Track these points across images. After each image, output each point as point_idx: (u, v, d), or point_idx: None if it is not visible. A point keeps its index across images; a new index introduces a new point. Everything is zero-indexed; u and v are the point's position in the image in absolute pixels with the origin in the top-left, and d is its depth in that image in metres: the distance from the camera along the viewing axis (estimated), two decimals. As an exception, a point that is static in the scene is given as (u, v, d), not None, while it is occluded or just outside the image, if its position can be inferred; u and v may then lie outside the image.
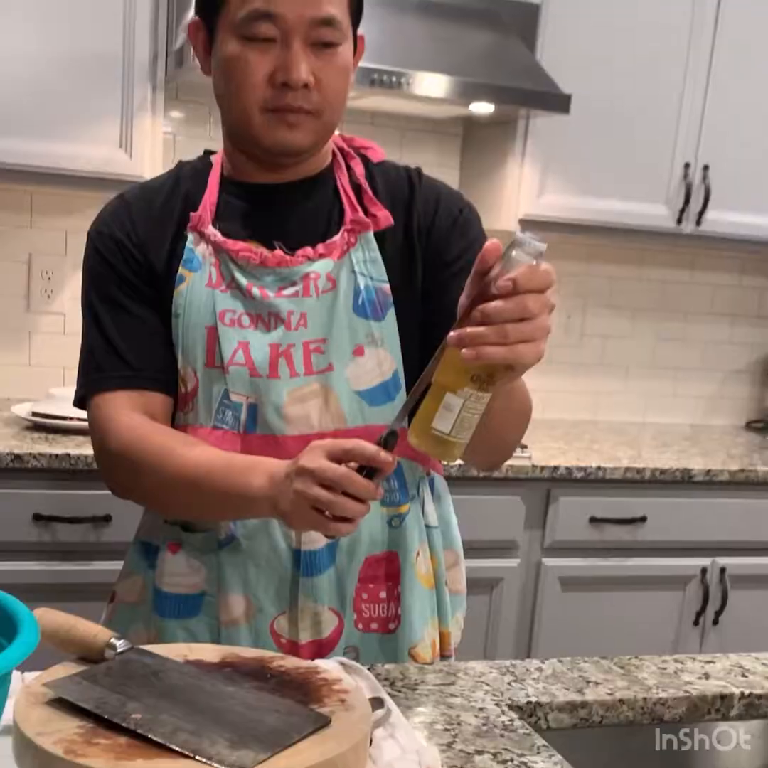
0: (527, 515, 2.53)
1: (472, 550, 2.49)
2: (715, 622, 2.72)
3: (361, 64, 2.24)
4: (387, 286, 1.27)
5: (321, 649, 1.28)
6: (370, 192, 1.29)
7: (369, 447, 1.02)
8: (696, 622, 2.71)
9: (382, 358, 1.27)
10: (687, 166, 2.79)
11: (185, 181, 1.31)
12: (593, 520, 2.57)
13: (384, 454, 1.02)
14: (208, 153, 1.37)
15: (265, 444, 1.25)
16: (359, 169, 1.31)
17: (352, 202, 1.28)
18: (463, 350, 0.93)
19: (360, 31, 1.26)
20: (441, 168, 2.95)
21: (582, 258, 3.16)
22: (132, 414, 1.25)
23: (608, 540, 2.60)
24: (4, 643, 0.68)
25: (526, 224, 2.72)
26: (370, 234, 1.27)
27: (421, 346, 1.26)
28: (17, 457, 2.07)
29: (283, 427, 1.24)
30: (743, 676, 1.25)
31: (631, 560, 2.64)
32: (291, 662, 1.03)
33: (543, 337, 0.96)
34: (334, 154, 1.32)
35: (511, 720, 1.08)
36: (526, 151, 2.68)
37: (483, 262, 0.95)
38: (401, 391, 1.27)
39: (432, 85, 2.36)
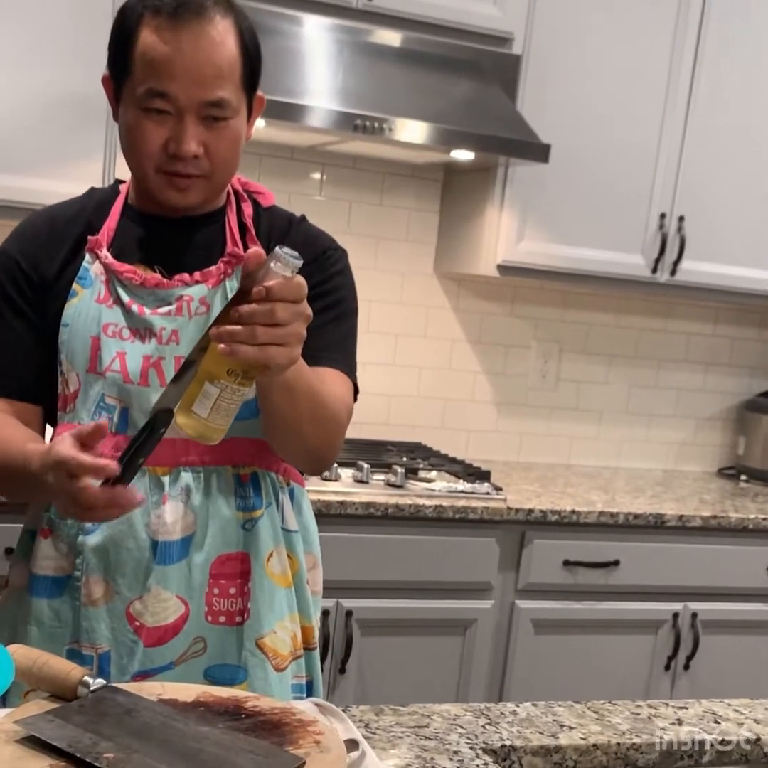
0: (501, 557, 2.54)
1: (446, 590, 2.53)
2: (686, 666, 2.73)
3: (344, 109, 2.35)
4: None
5: (166, 633, 1.38)
6: (253, 231, 1.45)
7: (91, 464, 1.11)
8: (667, 667, 2.72)
9: None
10: (663, 216, 2.84)
11: (92, 205, 1.46)
12: (567, 563, 2.58)
13: (109, 467, 1.10)
14: (118, 181, 1.53)
15: None
16: (248, 210, 1.47)
17: (234, 238, 1.44)
18: (220, 346, 1.06)
19: (269, 71, 1.42)
20: (421, 213, 3.00)
21: (559, 304, 3.20)
22: None
23: (581, 583, 2.61)
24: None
25: (505, 270, 2.76)
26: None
27: None
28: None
29: None
30: (716, 722, 1.26)
31: (603, 604, 2.65)
32: (266, 703, 1.03)
33: (295, 343, 1.10)
34: (229, 195, 1.47)
35: (486, 764, 1.08)
36: (506, 198, 2.72)
37: (244, 266, 1.08)
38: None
39: (413, 131, 2.40)
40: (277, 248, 1.05)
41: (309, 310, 1.10)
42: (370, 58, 2.49)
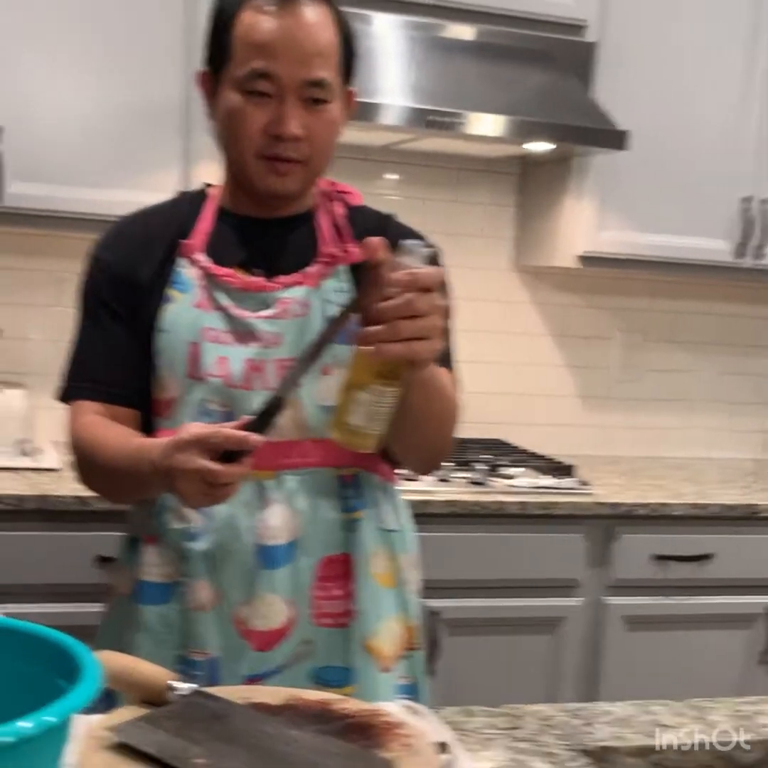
0: (589, 553, 2.50)
1: (532, 588, 2.50)
2: (784, 661, 2.65)
3: (417, 105, 2.33)
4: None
5: (274, 637, 1.38)
6: (347, 231, 1.45)
7: (234, 435, 1.14)
8: (762, 661, 2.64)
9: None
10: (746, 199, 2.77)
11: (184, 209, 1.46)
12: (657, 557, 2.53)
13: (253, 438, 1.14)
14: (207, 185, 1.52)
15: None
16: (340, 210, 1.47)
17: (328, 238, 1.44)
18: (366, 348, 1.08)
19: (355, 87, 1.41)
20: (497, 207, 2.97)
21: (642, 293, 3.13)
22: (89, 415, 1.40)
23: (672, 578, 2.55)
24: (67, 687, 0.69)
25: (586, 260, 2.71)
26: (343, 267, 1.42)
27: None
28: (80, 500, 2.11)
29: None
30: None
31: (696, 598, 2.59)
32: (354, 705, 1.03)
33: (436, 335, 1.11)
34: (320, 196, 1.48)
35: (583, 765, 1.06)
36: (584, 189, 2.68)
37: (367, 254, 1.09)
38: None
39: (487, 125, 2.38)
40: (403, 242, 1.06)
41: (446, 302, 1.10)
42: (441, 53, 2.48)
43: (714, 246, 2.78)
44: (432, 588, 2.32)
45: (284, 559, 1.38)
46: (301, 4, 1.32)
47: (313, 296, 1.39)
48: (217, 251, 1.41)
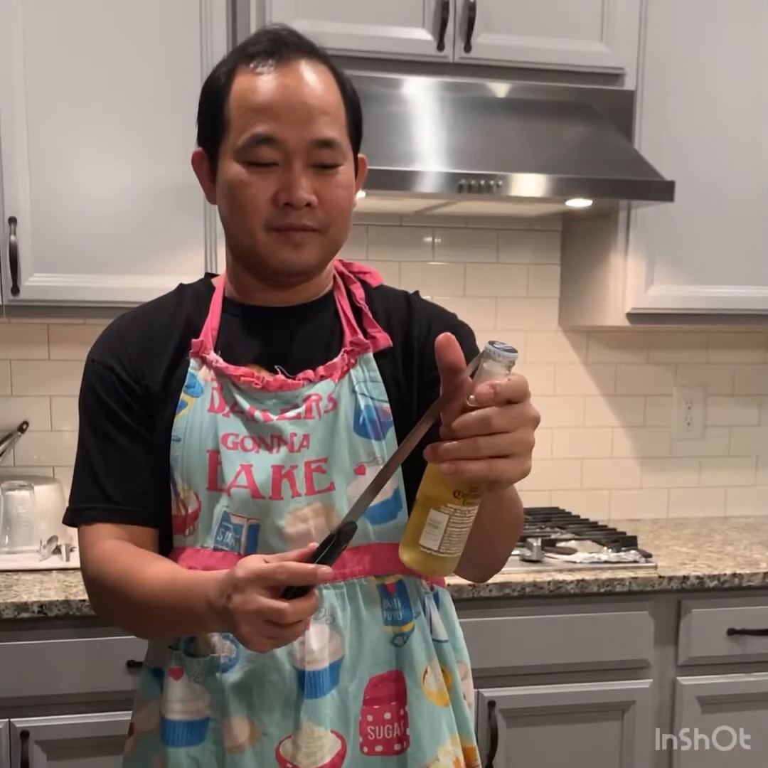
0: (657, 631, 2.33)
1: (596, 672, 2.34)
2: None
3: (448, 169, 2.23)
4: (387, 406, 1.29)
5: None
6: (369, 315, 1.33)
7: (301, 569, 1.03)
8: None
9: None
10: (804, 244, 2.62)
11: (186, 304, 1.35)
12: (732, 632, 2.36)
13: (322, 570, 1.03)
14: (209, 276, 1.41)
15: None
16: (359, 292, 1.35)
17: (351, 325, 1.32)
18: (442, 465, 0.95)
19: (372, 136, 1.33)
20: (541, 266, 2.86)
21: (699, 346, 2.99)
22: (108, 542, 1.27)
23: (750, 653, 2.38)
24: None
25: (635, 318, 2.58)
26: (370, 355, 1.31)
27: (421, 465, 1.24)
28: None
29: (284, 547, 1.23)
30: None
31: (778, 674, 2.40)
32: None
33: (524, 451, 0.96)
34: (334, 279, 1.37)
35: None
36: (630, 242, 2.55)
37: (440, 357, 0.96)
38: (403, 509, 1.28)
39: (525, 185, 2.27)
40: (487, 345, 0.94)
41: (536, 412, 0.97)
42: (474, 113, 2.38)
43: (770, 294, 2.63)
44: (487, 677, 2.19)
45: (328, 684, 1.24)
46: (299, 62, 1.21)
47: (340, 389, 1.28)
48: (229, 348, 1.30)
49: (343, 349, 1.30)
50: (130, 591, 1.21)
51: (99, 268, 2.24)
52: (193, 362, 1.29)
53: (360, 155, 1.30)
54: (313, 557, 1.04)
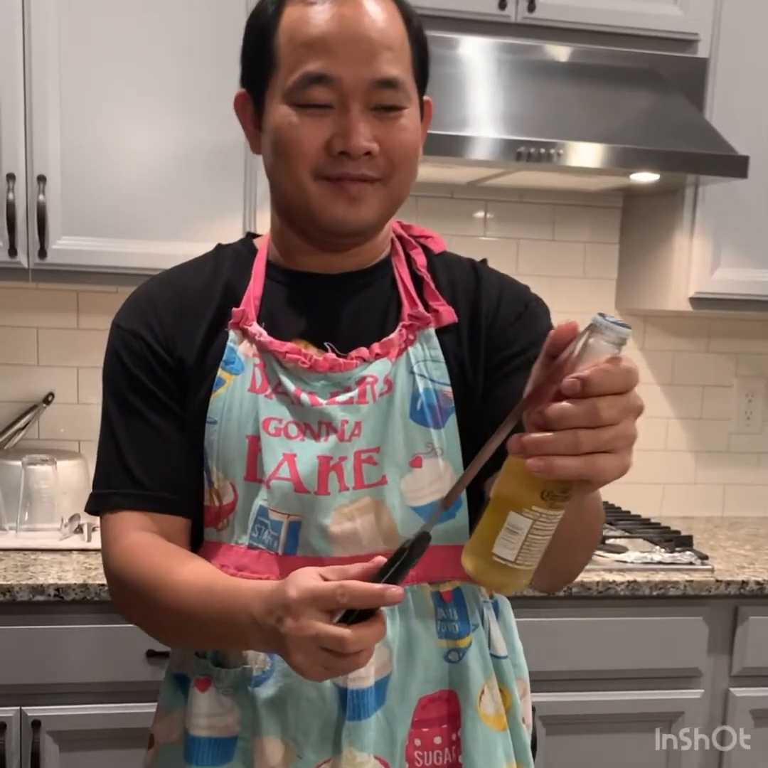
0: (711, 638, 2.19)
1: (645, 679, 2.19)
2: None
3: (505, 136, 2.07)
4: (449, 390, 1.14)
5: None
6: (431, 285, 1.17)
7: (366, 591, 0.87)
8: None
9: (442, 470, 1.13)
10: None
11: (225, 267, 1.19)
12: (792, 642, 2.21)
13: (391, 592, 0.87)
14: (250, 235, 1.25)
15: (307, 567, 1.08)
16: (420, 259, 1.19)
17: (411, 296, 1.16)
18: (530, 461, 0.79)
19: (429, 96, 1.15)
20: (598, 245, 2.70)
21: (763, 335, 2.81)
22: (134, 534, 1.12)
23: (811, 666, 2.23)
24: None
25: (699, 302, 2.42)
26: (431, 331, 1.15)
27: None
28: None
29: (328, 548, 1.11)
30: None
31: (840, 688, 2.25)
32: None
33: (626, 446, 0.81)
34: (392, 243, 1.20)
35: None
36: (696, 222, 2.39)
37: (554, 344, 0.80)
38: (463, 507, 1.14)
39: (585, 155, 2.11)
40: (597, 316, 0.78)
41: (641, 401, 0.82)
42: (534, 77, 2.22)
43: None
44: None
45: (374, 705, 1.10)
46: None
47: (397, 370, 1.12)
48: (273, 320, 1.14)
49: (401, 324, 1.14)
50: (157, 596, 1.06)
51: (132, 232, 2.11)
52: (232, 334, 1.13)
53: (426, 97, 1.14)
54: (379, 574, 0.88)
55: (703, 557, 2.24)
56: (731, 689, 2.22)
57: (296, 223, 1.13)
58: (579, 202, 2.67)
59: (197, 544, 1.17)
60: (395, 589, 0.87)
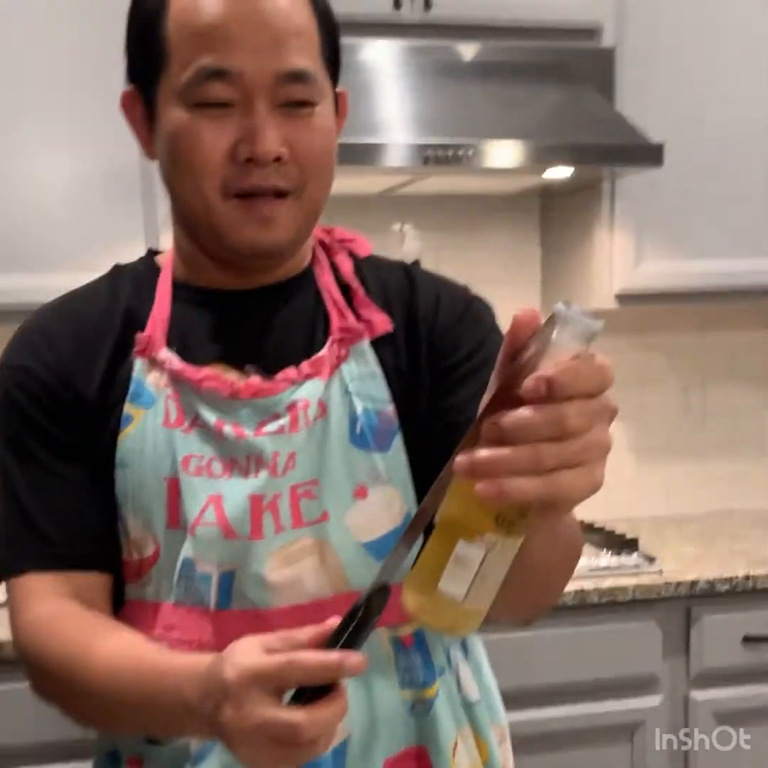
0: (666, 642, 2.12)
1: (601, 690, 2.11)
2: None
3: (412, 140, 2.00)
4: (391, 408, 1.03)
5: None
6: (361, 292, 1.06)
7: (320, 664, 0.73)
8: None
9: (390, 499, 1.02)
10: (809, 210, 2.39)
11: (125, 291, 1.06)
12: (748, 639, 2.15)
13: (350, 662, 0.74)
14: (152, 253, 1.12)
15: (244, 622, 0.97)
16: (346, 265, 1.08)
17: (339, 307, 1.05)
18: (478, 486, 0.63)
19: (342, 88, 1.04)
20: (520, 247, 2.64)
21: (696, 327, 2.77)
22: (43, 603, 0.98)
23: (769, 661, 2.17)
24: None
25: (625, 299, 2.36)
26: (365, 344, 1.04)
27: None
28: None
29: (267, 598, 0.98)
30: None
31: (800, 683, 2.19)
32: None
33: (598, 458, 0.65)
34: (313, 250, 1.09)
35: None
36: (616, 216, 2.33)
37: (512, 341, 0.66)
38: (419, 539, 0.97)
39: (497, 154, 2.04)
40: (559, 307, 0.64)
41: (614, 403, 0.66)
42: (440, 78, 2.16)
43: (774, 267, 2.41)
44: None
45: None
46: None
47: (330, 390, 1.01)
48: (185, 344, 1.02)
49: (330, 338, 1.02)
50: (75, 680, 0.92)
51: (20, 265, 1.99)
52: (138, 364, 1.01)
53: (339, 89, 1.03)
54: (334, 639, 0.75)
55: (651, 559, 2.18)
56: (691, 693, 2.16)
57: (202, 241, 1.02)
58: (497, 206, 2.60)
59: (120, 603, 1.04)
60: (355, 658, 0.74)
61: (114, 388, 1.01)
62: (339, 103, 1.02)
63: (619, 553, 2.19)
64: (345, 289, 1.06)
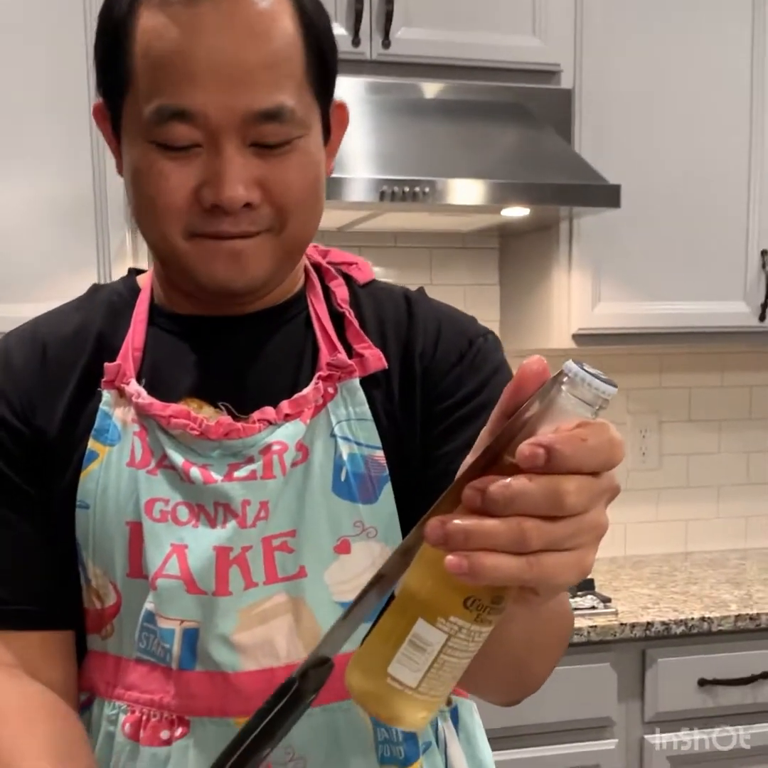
0: (621, 685, 2.10)
1: (554, 733, 2.08)
2: None
3: (370, 175, 2.00)
4: (380, 454, 0.92)
5: None
6: (355, 324, 0.95)
7: None
8: None
9: (376, 555, 0.91)
10: (764, 253, 2.41)
11: (99, 313, 0.97)
12: (703, 682, 2.13)
13: None
14: (134, 272, 1.03)
15: (210, 685, 0.89)
16: (341, 292, 0.97)
17: (330, 339, 0.95)
18: (449, 558, 0.53)
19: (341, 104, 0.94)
20: (479, 287, 2.64)
21: (652, 369, 2.78)
22: None
23: (725, 705, 2.15)
24: None
25: (582, 339, 2.36)
26: (356, 382, 0.93)
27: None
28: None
29: (234, 661, 0.89)
30: None
31: (755, 727, 2.17)
32: None
33: (592, 542, 0.55)
34: (307, 273, 0.99)
35: None
36: (573, 256, 2.33)
37: (514, 395, 0.56)
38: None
39: (455, 191, 2.04)
40: (570, 364, 0.55)
41: (617, 481, 0.56)
42: (397, 116, 2.16)
43: (731, 309, 2.41)
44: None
45: None
46: None
47: (313, 433, 0.91)
48: (157, 376, 0.93)
49: (317, 374, 0.93)
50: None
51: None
52: (106, 396, 0.92)
53: (338, 101, 0.93)
54: (257, 718, 0.63)
55: (606, 600, 2.16)
56: (645, 736, 2.13)
57: (172, 277, 0.94)
58: (455, 245, 2.60)
59: (83, 651, 0.97)
60: None
61: (79, 421, 0.93)
62: (340, 115, 0.94)
63: (574, 595, 2.17)
64: (338, 319, 0.97)
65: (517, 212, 2.18)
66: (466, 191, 2.05)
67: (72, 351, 0.95)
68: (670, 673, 2.12)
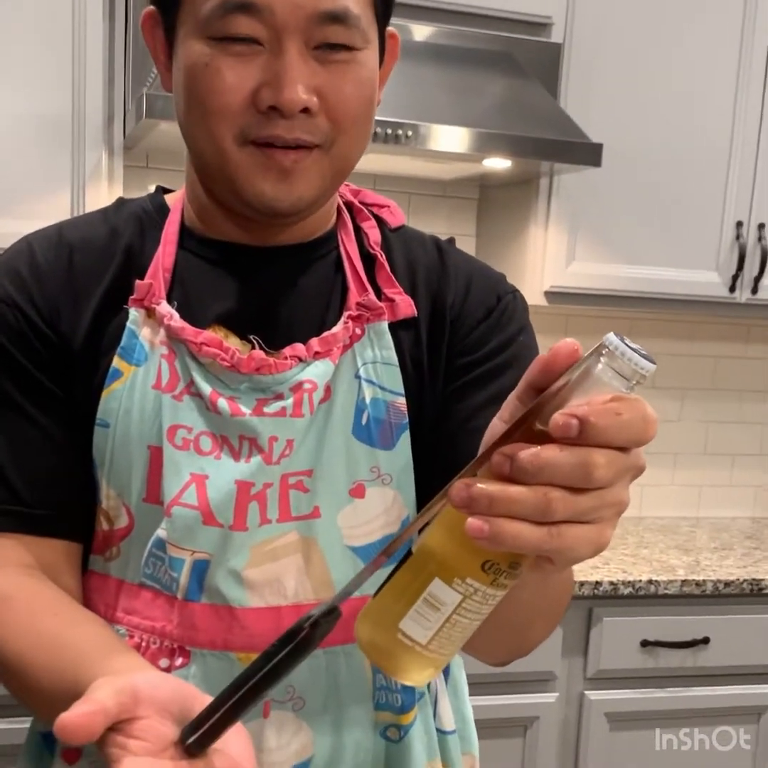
0: (565, 641, 2.13)
1: (500, 684, 2.11)
2: (797, 764, 2.27)
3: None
4: (402, 401, 0.92)
5: None
6: (387, 267, 0.94)
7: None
8: (773, 765, 2.27)
9: (389, 502, 0.91)
10: (739, 225, 2.41)
11: (128, 228, 0.94)
12: (645, 643, 2.16)
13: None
14: (161, 191, 0.99)
15: (214, 618, 0.89)
16: (374, 234, 0.96)
17: (360, 280, 0.93)
18: (470, 521, 0.53)
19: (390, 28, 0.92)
20: (455, 234, 2.60)
21: (621, 331, 2.77)
22: (4, 574, 0.87)
23: (664, 667, 2.18)
24: None
25: (554, 297, 2.36)
26: (384, 325, 0.92)
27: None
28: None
29: (241, 596, 0.89)
30: None
31: (692, 690, 2.21)
32: None
33: (612, 517, 0.56)
34: (339, 211, 0.97)
35: None
36: (551, 213, 2.32)
37: (543, 373, 0.56)
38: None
39: (439, 137, 2.02)
40: (611, 336, 0.55)
41: (643, 459, 0.57)
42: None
43: (703, 278, 2.42)
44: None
45: None
46: None
47: (338, 373, 0.90)
48: (186, 300, 0.91)
49: (346, 314, 0.91)
50: (21, 677, 0.81)
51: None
52: (133, 314, 0.90)
53: (390, 30, 0.91)
54: (263, 659, 0.61)
55: (558, 557, 2.18)
56: (586, 692, 2.16)
57: (216, 191, 0.91)
58: (435, 192, 2.58)
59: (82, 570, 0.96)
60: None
61: (104, 336, 0.90)
62: (386, 46, 0.92)
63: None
64: (369, 260, 0.95)
65: (498, 163, 2.16)
66: (449, 138, 2.03)
67: (99, 261, 0.92)
68: (615, 633, 2.15)
